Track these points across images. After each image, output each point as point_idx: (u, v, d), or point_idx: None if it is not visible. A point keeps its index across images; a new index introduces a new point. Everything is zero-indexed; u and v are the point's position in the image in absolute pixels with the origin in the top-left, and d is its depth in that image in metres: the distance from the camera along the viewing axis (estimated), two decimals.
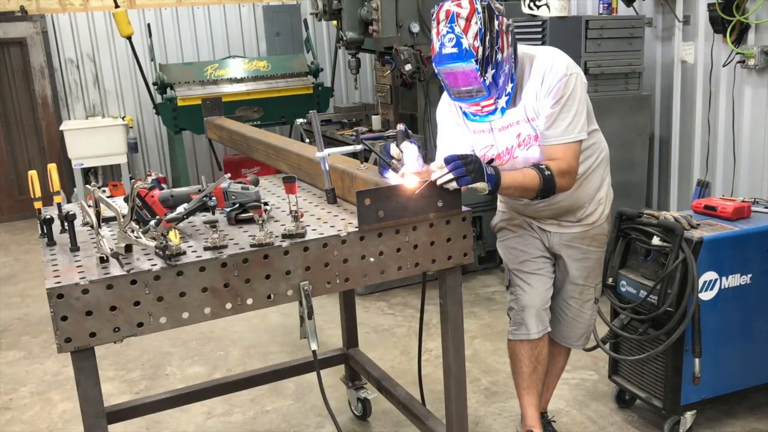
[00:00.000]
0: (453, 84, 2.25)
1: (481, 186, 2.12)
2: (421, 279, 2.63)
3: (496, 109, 2.31)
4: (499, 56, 2.22)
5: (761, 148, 3.98)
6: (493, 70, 2.21)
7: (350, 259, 2.00)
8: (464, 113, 2.44)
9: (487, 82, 2.21)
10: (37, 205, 2.29)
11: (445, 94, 2.50)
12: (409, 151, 2.16)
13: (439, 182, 2.08)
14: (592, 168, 2.57)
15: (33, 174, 2.30)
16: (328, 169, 2.33)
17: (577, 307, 2.77)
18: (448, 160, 2.09)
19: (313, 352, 2.05)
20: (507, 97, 2.31)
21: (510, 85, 2.30)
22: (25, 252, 6.50)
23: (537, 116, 2.38)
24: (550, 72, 2.33)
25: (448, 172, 2.07)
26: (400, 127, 2.24)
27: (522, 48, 2.41)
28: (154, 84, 6.47)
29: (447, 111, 2.57)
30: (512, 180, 2.25)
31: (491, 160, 2.40)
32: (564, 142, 2.34)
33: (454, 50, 2.16)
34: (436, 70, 2.26)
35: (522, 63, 2.38)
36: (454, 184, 2.08)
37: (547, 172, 2.28)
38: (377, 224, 2.00)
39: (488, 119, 2.38)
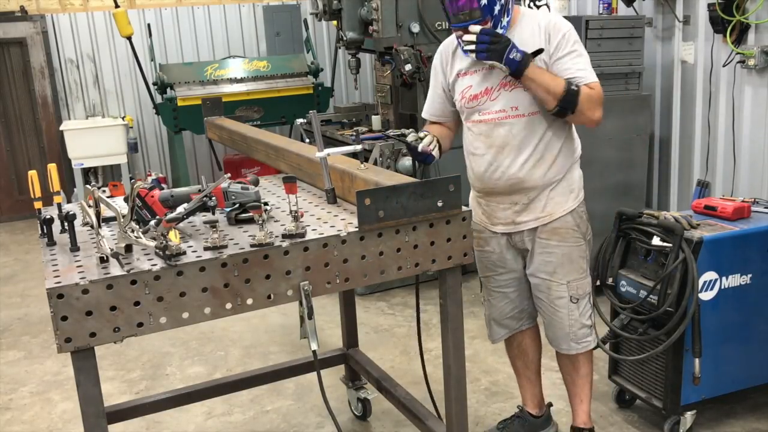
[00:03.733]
0: (452, 9, 2.43)
1: (498, 65, 2.38)
2: (421, 279, 2.63)
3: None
4: None
5: (761, 148, 3.98)
6: None
7: (350, 259, 2.00)
8: (463, 50, 2.50)
9: (482, 3, 2.38)
10: (37, 205, 2.29)
11: (440, 48, 2.75)
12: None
13: (464, 44, 2.40)
14: (561, 153, 2.62)
15: (33, 174, 2.30)
16: (328, 169, 2.33)
17: (548, 303, 2.75)
18: (483, 32, 2.36)
19: (313, 352, 2.05)
20: (503, 30, 2.45)
21: (506, 19, 2.47)
22: (25, 252, 6.50)
23: (536, 58, 2.50)
24: (554, 26, 2.51)
25: (475, 40, 2.36)
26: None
27: (524, 8, 2.65)
28: (154, 84, 6.47)
29: (438, 61, 2.73)
30: (539, 75, 2.42)
31: (536, 51, 2.49)
32: (593, 81, 2.47)
33: None
34: None
35: (522, 14, 2.58)
36: (473, 55, 2.40)
37: (574, 87, 2.42)
38: (377, 224, 2.00)
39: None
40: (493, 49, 2.35)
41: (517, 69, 2.38)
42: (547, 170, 2.60)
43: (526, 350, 2.97)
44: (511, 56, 2.36)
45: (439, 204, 2.07)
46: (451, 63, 2.67)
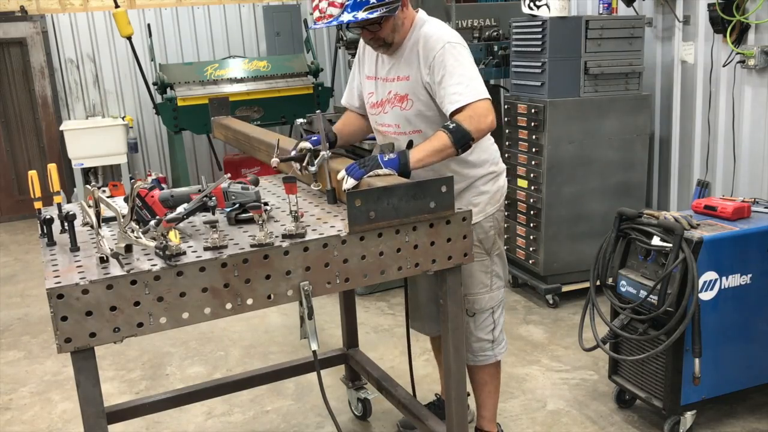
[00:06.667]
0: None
1: (383, 172, 2.19)
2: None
3: (334, 19, 2.32)
4: None
5: (761, 148, 3.98)
6: None
7: (350, 259, 2.00)
8: (313, 22, 2.45)
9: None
10: (37, 205, 2.28)
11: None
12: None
13: (344, 187, 2.19)
14: (457, 168, 2.54)
15: (33, 174, 2.30)
16: (329, 169, 2.33)
17: None
18: (347, 169, 2.23)
19: (314, 352, 2.05)
20: (351, 18, 2.29)
21: (364, 13, 2.29)
22: (25, 252, 6.50)
23: (413, 78, 2.45)
24: (428, 41, 2.41)
25: (347, 175, 2.21)
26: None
27: (421, 15, 2.52)
28: (154, 84, 6.47)
29: (360, 52, 2.71)
30: (422, 153, 2.28)
31: (410, 143, 2.47)
32: (466, 102, 2.33)
33: None
34: None
35: (415, 25, 2.48)
36: (352, 181, 2.19)
37: (452, 125, 2.29)
38: (368, 225, 1.99)
39: (321, 25, 2.39)
40: (365, 164, 2.22)
41: (400, 165, 2.24)
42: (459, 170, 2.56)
43: (437, 354, 3.09)
44: (386, 159, 2.24)
45: (432, 205, 2.06)
46: (362, 60, 2.70)
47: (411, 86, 2.47)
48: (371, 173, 2.19)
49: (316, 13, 2.37)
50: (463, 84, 2.34)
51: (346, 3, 2.29)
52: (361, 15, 2.28)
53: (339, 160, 2.43)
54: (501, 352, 2.79)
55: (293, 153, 2.47)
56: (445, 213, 2.09)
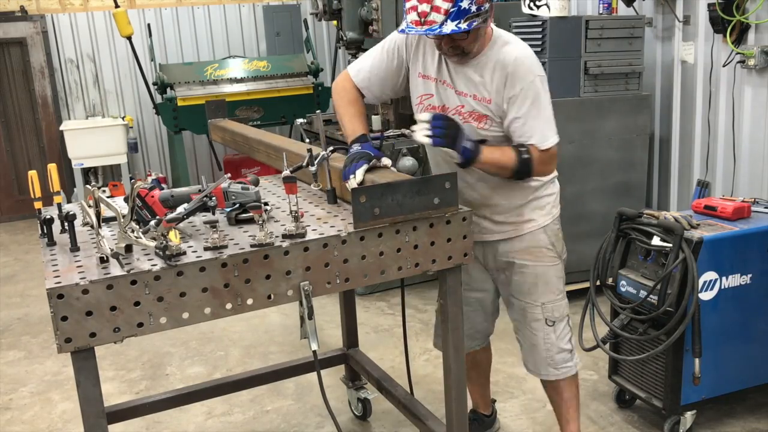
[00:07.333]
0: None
1: (452, 153, 2.23)
2: (421, 279, 2.63)
3: (438, 27, 2.17)
4: None
5: (761, 148, 3.98)
6: None
7: (350, 259, 2.00)
8: (407, 25, 2.24)
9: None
10: (37, 205, 2.28)
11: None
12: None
13: (417, 135, 2.20)
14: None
15: (33, 174, 2.29)
16: (329, 168, 2.33)
17: (525, 326, 2.63)
18: (436, 117, 2.21)
19: (314, 352, 2.05)
20: (455, 27, 2.17)
21: (465, 23, 2.17)
22: (25, 252, 6.50)
23: (492, 101, 2.36)
24: (519, 69, 2.31)
25: (428, 127, 2.19)
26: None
27: (499, 31, 2.41)
28: (154, 84, 6.47)
29: (402, 42, 2.50)
30: (490, 157, 2.32)
31: (483, 141, 2.39)
32: (544, 147, 2.35)
33: None
34: None
35: (494, 39, 2.37)
36: (428, 140, 2.19)
37: (525, 155, 2.32)
38: (373, 222, 1.99)
39: (421, 31, 2.20)
40: (448, 134, 2.19)
41: (468, 159, 2.25)
42: (508, 193, 2.50)
43: (479, 363, 2.98)
44: (464, 145, 2.23)
45: (436, 201, 2.06)
46: (414, 55, 2.49)
47: (493, 109, 2.38)
48: (444, 149, 2.25)
49: (413, 15, 2.18)
50: (549, 125, 2.38)
51: (451, 10, 2.14)
52: (463, 25, 2.17)
53: (339, 159, 2.43)
54: (577, 360, 2.68)
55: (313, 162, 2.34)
56: (449, 209, 2.09)
